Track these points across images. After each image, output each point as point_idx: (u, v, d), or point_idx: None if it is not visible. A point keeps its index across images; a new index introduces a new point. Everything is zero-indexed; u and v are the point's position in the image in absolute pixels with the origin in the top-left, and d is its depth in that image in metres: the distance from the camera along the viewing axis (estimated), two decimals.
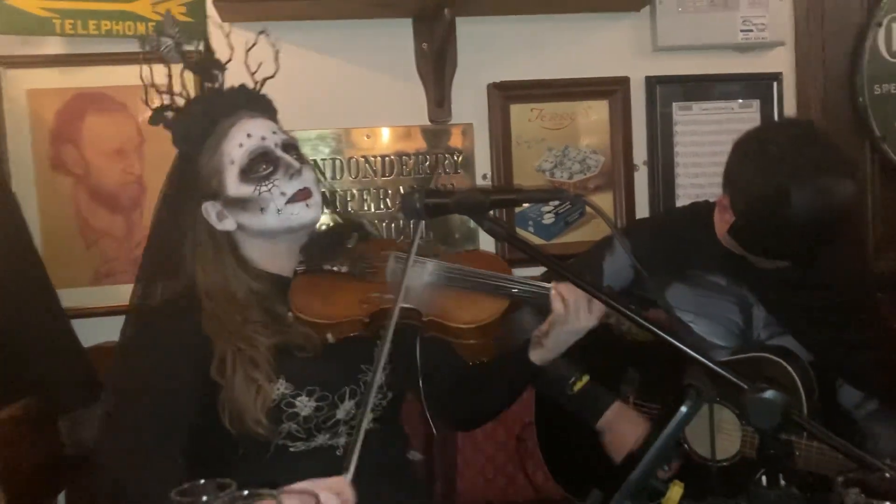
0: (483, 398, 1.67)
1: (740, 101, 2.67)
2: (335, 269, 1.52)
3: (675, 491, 1.23)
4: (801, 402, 1.70)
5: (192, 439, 1.41)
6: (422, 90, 2.50)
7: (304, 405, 1.46)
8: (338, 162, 2.50)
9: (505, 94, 2.52)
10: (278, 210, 1.46)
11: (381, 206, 2.52)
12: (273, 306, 1.50)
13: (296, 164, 1.48)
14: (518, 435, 2.38)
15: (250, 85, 1.56)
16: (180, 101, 1.51)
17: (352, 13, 2.40)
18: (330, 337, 1.48)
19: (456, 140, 2.54)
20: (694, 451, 1.79)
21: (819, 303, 1.83)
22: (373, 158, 2.51)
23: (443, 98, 2.45)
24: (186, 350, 1.43)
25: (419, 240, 1.38)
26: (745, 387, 1.18)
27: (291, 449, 1.47)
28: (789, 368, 1.75)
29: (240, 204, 1.46)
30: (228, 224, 1.49)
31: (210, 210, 1.49)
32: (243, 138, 1.46)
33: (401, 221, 2.53)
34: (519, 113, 2.55)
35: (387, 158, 2.52)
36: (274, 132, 1.50)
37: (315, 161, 2.47)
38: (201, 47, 1.61)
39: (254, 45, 1.53)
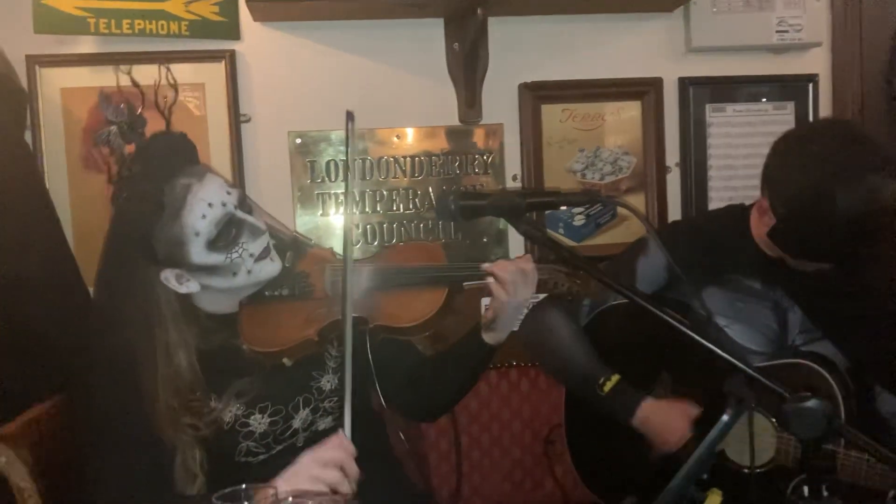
0: (443, 387, 1.68)
1: (775, 102, 2.62)
2: (276, 293, 1.53)
3: (713, 499, 1.21)
4: (839, 411, 1.67)
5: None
6: (452, 90, 2.48)
7: (259, 422, 1.49)
8: (367, 162, 2.49)
9: (536, 95, 2.50)
10: (248, 271, 1.48)
11: (410, 207, 2.51)
12: (226, 342, 1.52)
13: (259, 224, 1.49)
14: (546, 437, 2.38)
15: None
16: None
17: (383, 13, 2.39)
18: (286, 361, 1.50)
19: (486, 140, 2.53)
20: (728, 457, 1.76)
21: (858, 308, 1.80)
22: (402, 159, 2.50)
23: (474, 98, 2.43)
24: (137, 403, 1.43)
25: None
26: (787, 395, 1.17)
27: (253, 462, 1.50)
28: (827, 376, 1.72)
29: (207, 270, 1.47)
30: (192, 287, 1.49)
31: (170, 276, 1.47)
32: (205, 209, 1.43)
33: (429, 221, 2.51)
34: (550, 113, 2.53)
35: (416, 159, 2.51)
36: (228, 192, 1.47)
37: (345, 161, 2.47)
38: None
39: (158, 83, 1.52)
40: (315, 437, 1.53)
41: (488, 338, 1.56)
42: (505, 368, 2.42)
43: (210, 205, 1.44)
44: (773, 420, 1.72)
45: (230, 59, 2.38)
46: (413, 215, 2.51)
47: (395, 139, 2.50)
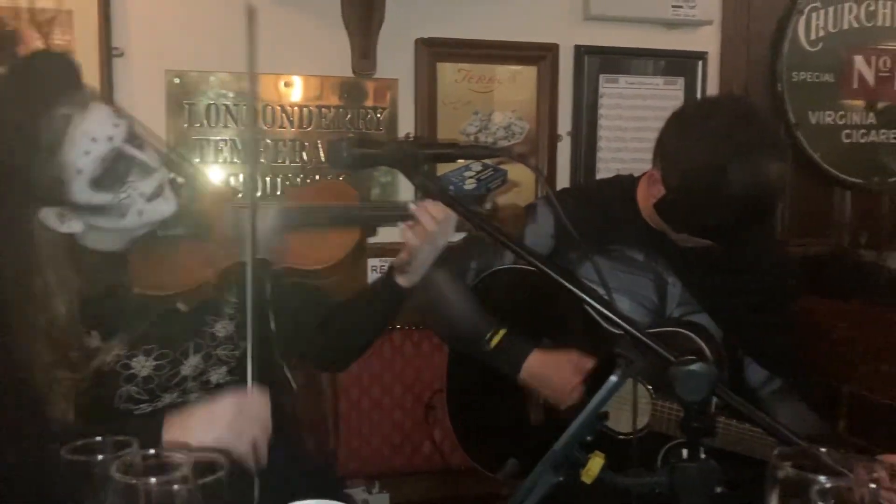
0: (354, 332, 1.63)
1: (666, 77, 2.67)
2: (171, 233, 1.41)
3: (596, 462, 1.19)
4: (722, 375, 1.71)
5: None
6: (346, 39, 2.37)
7: (142, 365, 1.39)
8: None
9: (433, 51, 2.44)
10: (140, 212, 1.34)
11: (297, 160, 2.39)
12: (115, 283, 1.38)
13: (150, 162, 1.34)
14: (427, 402, 2.37)
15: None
16: None
17: None
18: (181, 306, 1.39)
19: (380, 95, 2.44)
20: (605, 424, 1.78)
21: (736, 284, 1.84)
22: (290, 108, 2.38)
23: (368, 49, 2.34)
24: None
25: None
26: (672, 359, 1.15)
27: (137, 412, 1.40)
28: (702, 344, 1.75)
29: (93, 209, 1.32)
30: (74, 226, 1.34)
31: (49, 214, 1.32)
32: (88, 144, 1.27)
33: (317, 176, 2.41)
34: (446, 72, 2.48)
35: (305, 109, 2.39)
36: (115, 124, 1.31)
37: (226, 107, 2.32)
38: None
39: None
40: (207, 390, 1.43)
41: (402, 280, 1.49)
42: (388, 331, 2.37)
43: (94, 139, 1.28)
44: (650, 387, 1.75)
45: None
46: (300, 169, 2.39)
47: (283, 86, 2.37)
